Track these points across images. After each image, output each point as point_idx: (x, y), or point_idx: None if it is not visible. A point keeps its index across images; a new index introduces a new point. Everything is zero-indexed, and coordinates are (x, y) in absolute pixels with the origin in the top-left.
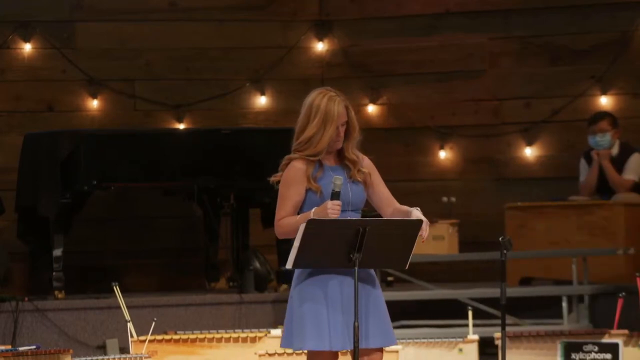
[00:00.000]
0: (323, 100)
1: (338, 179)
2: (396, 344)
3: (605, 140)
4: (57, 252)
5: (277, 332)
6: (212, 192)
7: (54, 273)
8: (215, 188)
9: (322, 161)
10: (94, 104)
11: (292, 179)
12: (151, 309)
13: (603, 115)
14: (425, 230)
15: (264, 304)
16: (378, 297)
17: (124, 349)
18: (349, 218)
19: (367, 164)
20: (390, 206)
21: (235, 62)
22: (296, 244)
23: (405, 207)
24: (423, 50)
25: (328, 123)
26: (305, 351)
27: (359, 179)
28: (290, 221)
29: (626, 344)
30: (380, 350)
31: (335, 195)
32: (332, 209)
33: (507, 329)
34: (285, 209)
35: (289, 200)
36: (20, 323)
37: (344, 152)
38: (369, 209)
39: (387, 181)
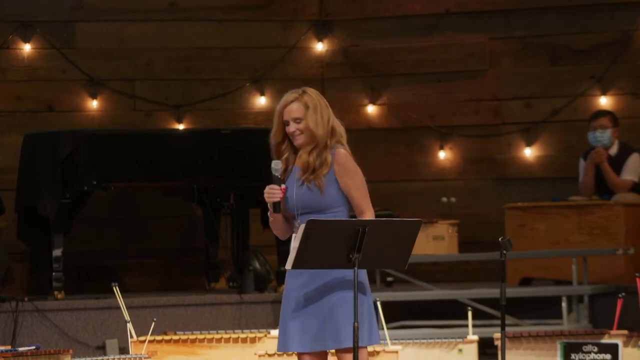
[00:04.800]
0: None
1: (275, 163)
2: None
3: (605, 137)
4: (57, 252)
5: (276, 332)
6: (212, 192)
7: (53, 273)
8: (215, 188)
9: (292, 162)
10: (94, 104)
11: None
12: (151, 309)
13: (605, 112)
14: None
15: (264, 304)
16: (340, 299)
17: (124, 349)
18: (299, 222)
19: (340, 168)
20: (360, 214)
21: (235, 62)
22: (295, 244)
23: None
24: (423, 50)
25: (275, 117)
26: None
27: (312, 183)
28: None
29: (626, 344)
30: (344, 351)
31: (275, 180)
32: (267, 192)
33: (507, 329)
34: None
35: None
36: (20, 323)
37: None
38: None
39: (387, 181)
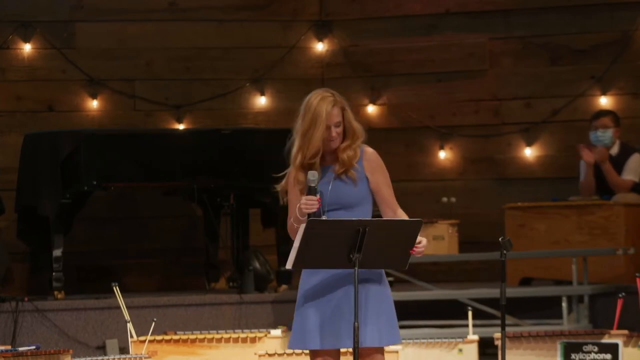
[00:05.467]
0: (315, 100)
1: (312, 174)
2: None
3: (606, 137)
4: (57, 252)
5: (277, 332)
6: (212, 192)
7: (54, 273)
8: (215, 188)
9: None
10: (94, 104)
11: (289, 184)
12: (151, 309)
13: (606, 111)
14: (421, 245)
15: (264, 304)
16: (364, 297)
17: (124, 349)
18: (327, 218)
19: (371, 164)
20: (390, 210)
21: (235, 62)
22: (296, 244)
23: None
24: (423, 50)
25: (317, 122)
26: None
27: (346, 176)
28: (289, 222)
29: (626, 344)
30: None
31: (311, 191)
32: (305, 204)
33: (507, 329)
34: (290, 213)
35: (291, 204)
36: (20, 323)
37: (338, 152)
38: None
39: None
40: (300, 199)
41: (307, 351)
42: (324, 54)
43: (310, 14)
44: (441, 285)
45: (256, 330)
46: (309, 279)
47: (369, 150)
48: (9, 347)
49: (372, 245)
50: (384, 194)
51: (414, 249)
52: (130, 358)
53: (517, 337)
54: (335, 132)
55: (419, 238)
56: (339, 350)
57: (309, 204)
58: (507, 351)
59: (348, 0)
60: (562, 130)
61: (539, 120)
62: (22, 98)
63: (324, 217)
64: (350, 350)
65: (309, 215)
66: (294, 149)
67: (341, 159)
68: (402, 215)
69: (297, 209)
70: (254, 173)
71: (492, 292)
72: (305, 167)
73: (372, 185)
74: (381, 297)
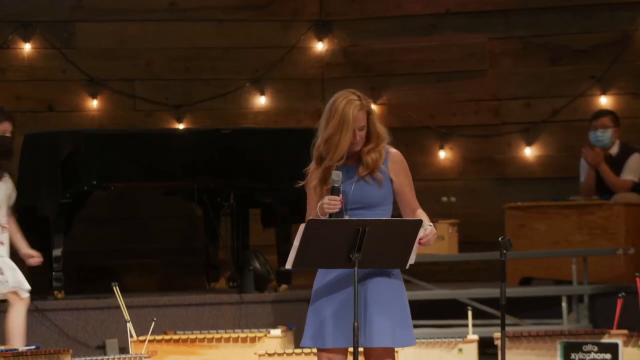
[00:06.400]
0: (342, 103)
1: (336, 174)
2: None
3: (605, 137)
4: (57, 252)
5: (276, 332)
6: (212, 192)
7: (53, 273)
8: (215, 188)
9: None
10: (94, 104)
11: (309, 182)
12: (151, 309)
13: (606, 111)
14: (427, 236)
15: (264, 304)
16: (378, 295)
17: (124, 349)
18: (349, 217)
19: (396, 166)
20: (411, 211)
21: (235, 62)
22: (296, 243)
23: (421, 216)
24: (423, 50)
25: (344, 126)
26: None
27: (371, 176)
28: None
29: (626, 344)
30: (371, 349)
31: (334, 191)
32: (327, 204)
33: (507, 329)
34: (309, 211)
35: (312, 202)
36: None
37: (361, 154)
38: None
39: None
40: (320, 198)
41: (308, 350)
42: (324, 54)
43: (310, 14)
44: (441, 285)
45: (256, 330)
46: (324, 277)
47: (394, 151)
48: (9, 347)
49: (372, 245)
50: (407, 195)
51: (420, 241)
52: (130, 358)
53: (517, 337)
54: (359, 135)
55: (426, 226)
56: (347, 349)
57: (332, 203)
58: (507, 351)
59: (348, 0)
60: (562, 130)
61: (539, 120)
62: (22, 98)
63: (346, 217)
64: (366, 349)
65: (331, 215)
66: (317, 149)
67: (365, 161)
68: (422, 215)
69: (318, 208)
70: (254, 173)
71: (492, 292)
72: (328, 168)
73: (395, 187)
74: (395, 294)
